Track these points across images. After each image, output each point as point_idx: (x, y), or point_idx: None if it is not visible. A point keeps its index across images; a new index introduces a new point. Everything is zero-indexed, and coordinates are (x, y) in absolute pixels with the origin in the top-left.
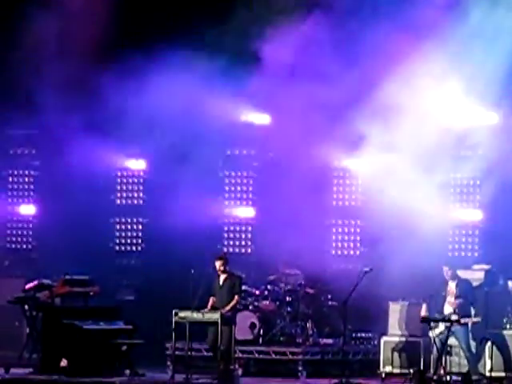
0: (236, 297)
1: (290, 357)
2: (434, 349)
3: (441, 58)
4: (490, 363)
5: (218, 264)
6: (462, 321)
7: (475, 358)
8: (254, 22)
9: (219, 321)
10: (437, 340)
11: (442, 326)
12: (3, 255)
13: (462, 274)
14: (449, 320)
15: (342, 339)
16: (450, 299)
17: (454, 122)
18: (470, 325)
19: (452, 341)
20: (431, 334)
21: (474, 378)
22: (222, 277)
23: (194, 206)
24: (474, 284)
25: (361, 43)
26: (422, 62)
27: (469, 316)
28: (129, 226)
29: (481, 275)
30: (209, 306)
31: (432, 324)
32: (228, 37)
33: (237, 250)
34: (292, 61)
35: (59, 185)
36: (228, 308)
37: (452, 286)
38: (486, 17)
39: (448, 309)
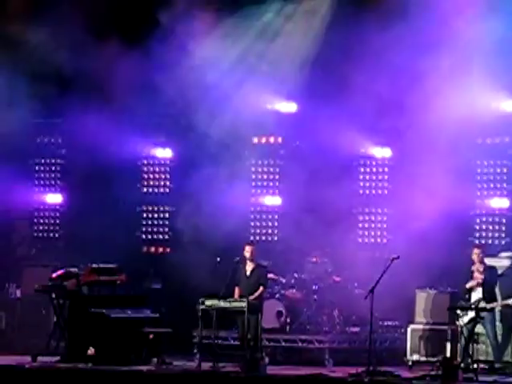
0: (261, 288)
1: (317, 345)
2: (462, 337)
3: (465, 46)
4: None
5: (248, 250)
6: (489, 306)
7: (501, 346)
8: None
9: (246, 309)
10: (464, 328)
11: (470, 314)
12: (30, 244)
13: (489, 261)
14: (476, 307)
15: (369, 327)
16: (477, 285)
17: (481, 109)
18: (497, 312)
19: (479, 329)
20: (459, 322)
21: (498, 365)
22: (250, 266)
23: (220, 195)
24: (501, 271)
25: (388, 36)
26: (447, 53)
27: (495, 301)
28: (155, 215)
29: (507, 263)
30: (236, 296)
31: (459, 312)
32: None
33: (263, 238)
34: (320, 47)
35: (86, 173)
36: (254, 296)
37: (477, 273)
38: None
39: (476, 296)
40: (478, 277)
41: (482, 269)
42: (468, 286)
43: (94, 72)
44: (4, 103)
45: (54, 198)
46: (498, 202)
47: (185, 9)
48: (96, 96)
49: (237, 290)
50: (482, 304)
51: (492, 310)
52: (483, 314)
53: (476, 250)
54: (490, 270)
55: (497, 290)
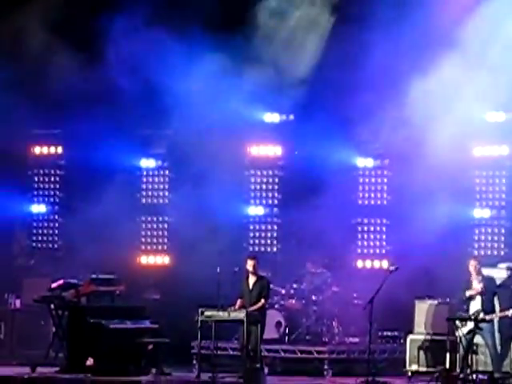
0: (263, 300)
1: (316, 355)
2: (461, 347)
3: (469, 56)
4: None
5: (250, 263)
6: (488, 317)
7: (500, 357)
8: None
9: (245, 319)
10: (463, 339)
11: (469, 325)
12: (29, 254)
13: (487, 272)
14: (475, 318)
15: (368, 338)
16: (476, 297)
17: (478, 120)
18: (496, 322)
19: (478, 339)
20: (458, 333)
21: (498, 376)
22: (252, 279)
23: (219, 205)
24: (499, 282)
25: (385, 45)
26: (448, 62)
27: (493, 313)
28: (154, 225)
29: (506, 274)
30: (237, 307)
31: (458, 323)
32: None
33: (262, 249)
34: (320, 58)
35: (85, 184)
36: (253, 308)
37: (476, 283)
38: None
39: (474, 307)
40: (476, 288)
41: (479, 280)
42: (467, 293)
43: (92, 84)
44: (3, 114)
45: (53, 209)
46: (496, 213)
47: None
48: (96, 107)
49: (238, 302)
50: (481, 315)
51: (491, 321)
52: (482, 324)
53: (472, 262)
54: (488, 281)
55: (495, 301)
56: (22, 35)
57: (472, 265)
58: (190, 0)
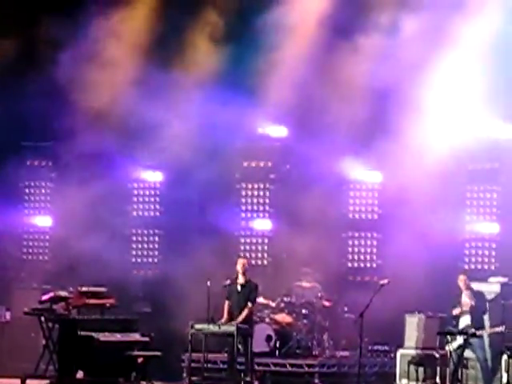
0: (249, 304)
1: (307, 369)
2: (451, 362)
3: (458, 68)
4: (506, 376)
5: (240, 263)
6: (478, 333)
7: (491, 372)
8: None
9: (235, 333)
10: (454, 353)
11: (459, 340)
12: (19, 266)
13: (478, 286)
14: (465, 333)
15: (359, 352)
16: (466, 312)
17: (471, 135)
18: (486, 337)
19: (469, 354)
20: (448, 347)
21: None
22: (241, 280)
23: (210, 218)
24: (490, 297)
25: (377, 58)
26: (441, 77)
27: (483, 328)
28: (145, 238)
29: (497, 288)
30: (225, 311)
31: (449, 338)
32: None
33: (253, 262)
34: (309, 71)
35: (75, 196)
36: (242, 317)
37: (466, 297)
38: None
39: (464, 322)
40: (466, 303)
41: (469, 295)
42: (454, 313)
43: (83, 94)
44: None
45: (44, 221)
46: (488, 227)
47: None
48: (86, 119)
49: (226, 305)
50: (471, 330)
51: (481, 336)
52: (472, 340)
53: (461, 277)
54: (478, 296)
55: (485, 316)
56: None
57: (461, 280)
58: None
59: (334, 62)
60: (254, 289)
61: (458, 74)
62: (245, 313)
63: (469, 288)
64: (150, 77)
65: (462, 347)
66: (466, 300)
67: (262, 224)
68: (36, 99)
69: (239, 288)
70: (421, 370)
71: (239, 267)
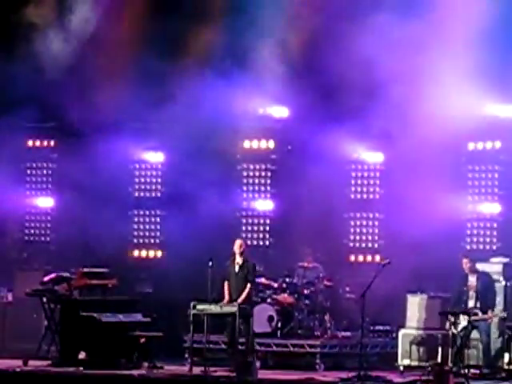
0: (249, 285)
1: (308, 350)
2: (455, 343)
3: (462, 51)
4: (508, 356)
5: (237, 243)
6: (478, 318)
7: (493, 352)
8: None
9: (237, 313)
10: (457, 335)
11: (463, 322)
12: (21, 248)
13: (481, 267)
14: (468, 314)
15: (360, 332)
16: (473, 294)
17: (472, 114)
18: (496, 320)
19: (473, 333)
20: (453, 329)
21: (486, 371)
22: (239, 260)
23: (212, 199)
24: (493, 277)
25: (379, 38)
26: (441, 57)
27: (492, 309)
28: (147, 219)
29: (499, 268)
30: (226, 292)
31: (451, 319)
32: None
33: (255, 243)
34: (306, 54)
35: (77, 177)
36: (242, 297)
37: (472, 280)
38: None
39: (471, 304)
40: (473, 286)
41: (474, 278)
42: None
43: (85, 75)
44: None
45: (46, 202)
46: (489, 208)
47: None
48: (88, 99)
49: (226, 286)
50: (474, 311)
51: (484, 319)
52: (477, 322)
53: (464, 260)
54: (482, 278)
55: (494, 298)
56: None
57: (464, 262)
58: None
59: (335, 41)
60: (251, 269)
61: (457, 53)
62: (244, 293)
63: (473, 271)
64: (149, 60)
65: (465, 329)
66: (473, 282)
67: (264, 204)
68: (32, 79)
69: (237, 269)
70: (423, 350)
71: (236, 248)
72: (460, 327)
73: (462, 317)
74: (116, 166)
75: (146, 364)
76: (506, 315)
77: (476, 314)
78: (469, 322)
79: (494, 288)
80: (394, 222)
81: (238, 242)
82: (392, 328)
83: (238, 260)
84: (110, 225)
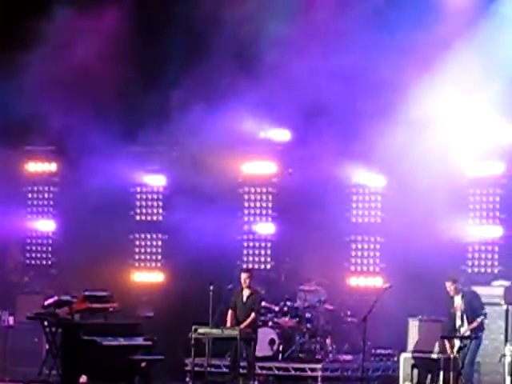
0: (253, 314)
1: (310, 373)
2: (458, 366)
3: (467, 72)
4: (509, 380)
5: (244, 277)
6: (468, 328)
7: (471, 373)
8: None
9: (238, 337)
10: (456, 357)
11: (457, 344)
12: (22, 271)
13: (482, 290)
14: (469, 337)
15: (362, 356)
16: (459, 314)
17: (474, 137)
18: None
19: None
20: (453, 352)
21: None
22: (246, 292)
23: (213, 222)
24: (494, 301)
25: (383, 61)
26: (444, 79)
27: (482, 323)
28: (148, 243)
29: (500, 292)
30: (228, 319)
31: (447, 343)
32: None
33: (256, 266)
34: (307, 77)
35: (78, 201)
36: (246, 323)
37: (458, 300)
38: None
39: (458, 323)
40: (458, 307)
41: (459, 298)
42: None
43: (86, 98)
44: None
45: (47, 226)
46: (491, 231)
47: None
48: (90, 123)
49: (229, 314)
50: (468, 333)
51: (476, 337)
52: (466, 341)
53: (447, 284)
54: (466, 296)
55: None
56: None
57: (447, 286)
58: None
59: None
60: (258, 300)
61: (462, 79)
62: (249, 320)
63: (458, 291)
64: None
65: (461, 350)
66: (459, 303)
67: (265, 228)
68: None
69: (244, 299)
70: (424, 373)
71: (242, 282)
72: (455, 349)
73: (455, 340)
74: (117, 190)
75: None
76: (480, 321)
77: (469, 337)
78: (462, 343)
79: (479, 301)
80: (395, 245)
81: (244, 276)
82: (393, 352)
83: (246, 291)
84: (112, 248)
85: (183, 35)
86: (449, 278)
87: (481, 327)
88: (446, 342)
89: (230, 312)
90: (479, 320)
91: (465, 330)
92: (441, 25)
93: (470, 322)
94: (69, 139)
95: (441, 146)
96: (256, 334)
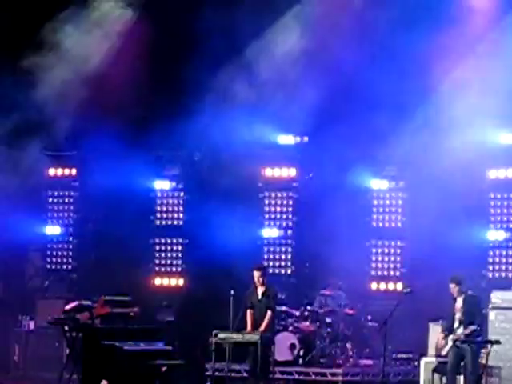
0: (269, 312)
1: (330, 378)
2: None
3: (490, 74)
4: None
5: (257, 275)
6: (455, 337)
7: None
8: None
9: (259, 342)
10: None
11: (450, 343)
12: (43, 276)
13: (503, 295)
14: (486, 341)
15: (382, 360)
16: (459, 316)
17: (494, 141)
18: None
19: (493, 361)
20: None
21: None
22: (261, 290)
23: (233, 227)
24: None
25: (403, 64)
26: (463, 82)
27: (475, 330)
28: (168, 247)
29: None
30: (248, 320)
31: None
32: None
33: (277, 271)
34: (329, 80)
35: (98, 206)
36: (263, 326)
37: (459, 302)
38: None
39: (456, 325)
40: (458, 308)
41: (461, 299)
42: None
43: (106, 103)
44: (17, 135)
45: (67, 230)
46: (511, 235)
47: None
48: (109, 128)
49: (248, 314)
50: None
51: (472, 342)
52: (463, 346)
53: (451, 285)
54: (467, 299)
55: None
56: None
57: (451, 287)
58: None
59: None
60: (273, 297)
61: (480, 79)
62: (266, 321)
63: (461, 293)
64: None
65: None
66: (459, 304)
67: (285, 232)
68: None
69: (260, 297)
70: (445, 378)
71: (256, 280)
72: (446, 349)
73: (448, 340)
74: (137, 194)
75: None
76: (475, 327)
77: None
78: (455, 345)
79: (478, 309)
80: (415, 249)
81: (255, 274)
82: (414, 356)
83: (260, 289)
84: (132, 253)
85: (201, 41)
86: (452, 280)
87: (477, 334)
88: (441, 339)
89: (248, 312)
90: (472, 328)
91: (460, 333)
92: (464, 26)
93: (465, 327)
94: (89, 144)
95: (461, 149)
96: (273, 332)
